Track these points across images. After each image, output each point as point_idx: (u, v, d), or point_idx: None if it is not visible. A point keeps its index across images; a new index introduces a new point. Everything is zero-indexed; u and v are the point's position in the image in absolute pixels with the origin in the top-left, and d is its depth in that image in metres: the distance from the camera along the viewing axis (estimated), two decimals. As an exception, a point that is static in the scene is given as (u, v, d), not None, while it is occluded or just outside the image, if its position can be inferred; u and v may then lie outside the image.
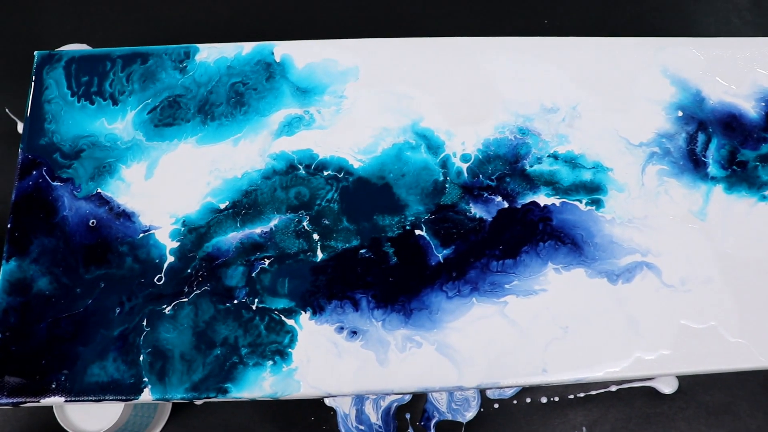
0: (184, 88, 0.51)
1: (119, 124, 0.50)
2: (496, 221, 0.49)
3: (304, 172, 0.49)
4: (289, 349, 0.46)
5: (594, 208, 0.50)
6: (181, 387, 0.45)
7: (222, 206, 0.48)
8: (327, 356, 0.45)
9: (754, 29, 0.80)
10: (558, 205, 0.50)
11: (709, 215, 0.51)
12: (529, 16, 0.75)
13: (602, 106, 0.53)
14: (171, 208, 0.48)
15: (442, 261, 0.48)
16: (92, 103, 0.50)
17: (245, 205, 0.48)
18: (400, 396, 0.60)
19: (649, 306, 0.48)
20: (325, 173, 0.49)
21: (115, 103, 0.50)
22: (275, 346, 0.46)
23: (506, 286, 0.48)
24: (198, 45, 0.52)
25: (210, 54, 0.52)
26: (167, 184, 0.49)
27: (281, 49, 0.52)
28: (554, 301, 0.47)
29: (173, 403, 0.66)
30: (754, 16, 0.81)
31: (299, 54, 0.52)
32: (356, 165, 0.50)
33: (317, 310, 0.46)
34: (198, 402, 0.63)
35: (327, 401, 0.59)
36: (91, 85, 0.51)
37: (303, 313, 0.46)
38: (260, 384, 0.45)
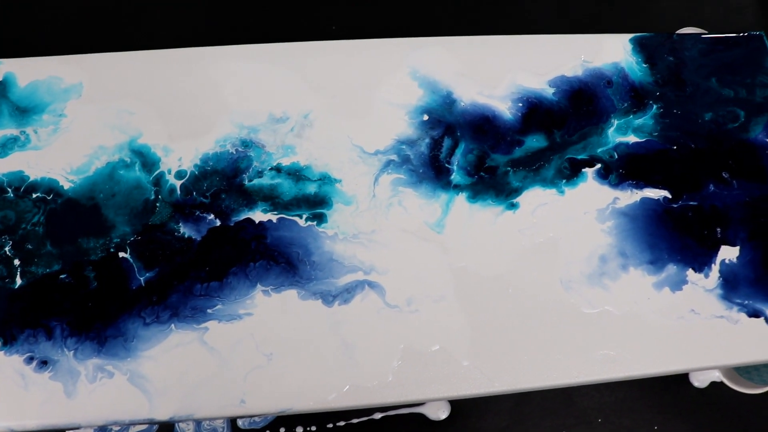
0: None
1: None
2: (206, 241, 0.46)
3: (12, 195, 0.47)
4: (-22, 382, 0.44)
5: (315, 223, 0.46)
6: None
7: (-72, 233, 0.47)
8: (13, 389, 0.43)
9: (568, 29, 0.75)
10: (275, 221, 0.46)
11: (447, 227, 0.47)
12: (315, 21, 0.71)
13: (338, 113, 0.49)
14: None
15: (143, 285, 0.45)
16: None
17: (-49, 231, 0.47)
18: (146, 426, 0.57)
19: (369, 329, 0.45)
20: (34, 195, 0.47)
21: None
22: (-36, 379, 0.44)
23: (209, 310, 0.44)
24: (-76, 67, 0.51)
25: (-65, 76, 0.51)
26: None
27: (6, 67, 0.51)
28: (260, 326, 0.44)
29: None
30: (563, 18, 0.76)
31: (24, 71, 0.50)
32: (66, 186, 0.47)
33: (9, 340, 0.44)
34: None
35: (72, 432, 0.57)
36: None
37: (-5, 343, 0.44)
38: (-56, 418, 0.43)
